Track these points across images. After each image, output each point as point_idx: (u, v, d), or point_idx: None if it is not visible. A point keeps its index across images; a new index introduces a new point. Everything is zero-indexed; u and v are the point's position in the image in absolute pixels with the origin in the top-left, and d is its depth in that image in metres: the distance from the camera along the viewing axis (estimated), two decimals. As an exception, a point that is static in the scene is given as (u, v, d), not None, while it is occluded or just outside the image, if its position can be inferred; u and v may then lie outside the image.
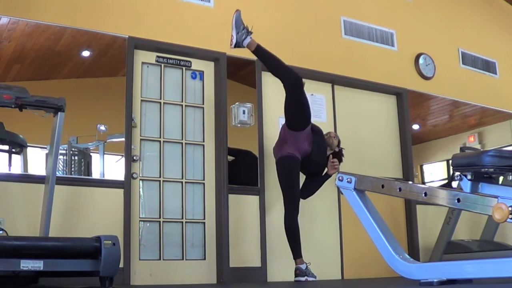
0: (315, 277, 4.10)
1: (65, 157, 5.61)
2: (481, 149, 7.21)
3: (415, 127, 8.23)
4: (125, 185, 4.28)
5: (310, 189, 4.49)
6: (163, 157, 4.58)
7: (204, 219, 4.64)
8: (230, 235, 4.58)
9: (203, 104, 4.84)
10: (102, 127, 5.74)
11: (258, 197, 4.79)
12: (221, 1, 5.00)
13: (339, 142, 4.60)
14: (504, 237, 5.93)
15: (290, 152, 4.23)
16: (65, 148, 5.56)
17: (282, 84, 4.21)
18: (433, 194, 2.85)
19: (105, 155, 5.97)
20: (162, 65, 4.72)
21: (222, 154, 4.71)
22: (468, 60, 6.65)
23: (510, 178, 5.10)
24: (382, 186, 3.10)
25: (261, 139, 4.90)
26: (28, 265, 2.90)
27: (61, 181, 3.94)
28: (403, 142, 5.83)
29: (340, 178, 3.27)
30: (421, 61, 6.15)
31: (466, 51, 6.66)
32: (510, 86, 6.94)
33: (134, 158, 4.42)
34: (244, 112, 4.96)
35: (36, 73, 6.39)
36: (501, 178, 4.21)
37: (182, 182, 4.62)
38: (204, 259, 4.57)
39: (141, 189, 4.44)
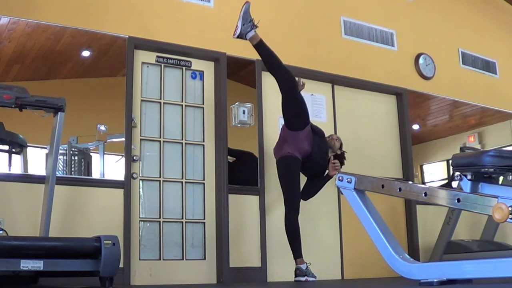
0: (315, 277, 4.10)
1: (65, 157, 5.61)
2: (481, 149, 7.21)
3: (415, 127, 8.23)
4: (125, 185, 4.28)
5: (311, 191, 4.49)
6: (163, 157, 4.58)
7: (204, 219, 4.63)
8: (230, 235, 4.58)
9: (203, 104, 4.84)
10: (102, 127, 5.74)
11: (258, 197, 4.79)
12: (221, 1, 5.00)
13: (341, 145, 4.61)
14: (504, 237, 5.93)
15: (290, 152, 4.23)
16: (65, 148, 5.56)
17: (281, 85, 4.22)
18: (433, 194, 2.85)
19: (105, 155, 5.97)
20: (162, 65, 4.72)
21: (222, 154, 4.71)
22: (468, 60, 6.65)
23: (510, 178, 5.10)
24: (382, 186, 3.10)
25: (261, 139, 4.90)
26: (28, 265, 2.90)
27: (61, 181, 3.94)
28: (403, 142, 5.83)
29: (340, 178, 3.27)
30: (421, 61, 6.16)
31: (466, 51, 6.66)
32: (510, 86, 6.95)
33: (134, 158, 4.42)
34: (244, 112, 4.96)
35: (36, 73, 6.39)
36: (501, 178, 4.21)
37: (182, 182, 4.62)
38: (204, 259, 4.57)
39: (141, 189, 4.44)
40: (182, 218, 4.56)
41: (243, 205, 4.75)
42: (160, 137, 4.60)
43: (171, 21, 4.73)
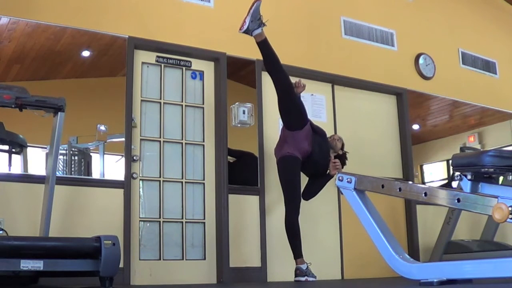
0: (315, 277, 4.10)
1: (65, 157, 5.61)
2: (481, 149, 7.21)
3: (415, 127, 8.23)
4: (125, 185, 4.28)
5: (312, 191, 4.49)
6: (163, 157, 4.58)
7: (204, 219, 4.63)
8: (230, 235, 4.58)
9: (203, 104, 4.84)
10: (102, 127, 5.74)
11: (258, 197, 4.79)
12: (221, 1, 5.00)
13: (342, 145, 4.62)
14: (504, 237, 5.93)
15: (289, 152, 4.23)
16: (65, 148, 5.56)
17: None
18: (433, 194, 2.85)
19: (105, 155, 5.96)
20: (162, 65, 4.72)
21: (222, 154, 4.71)
22: (468, 60, 6.65)
23: (510, 178, 5.11)
24: (382, 186, 3.10)
25: (261, 139, 4.90)
26: (28, 265, 2.90)
27: (61, 181, 3.94)
28: (403, 142, 5.83)
29: (340, 178, 3.27)
30: (421, 61, 6.15)
31: (466, 51, 6.66)
32: (510, 86, 6.94)
33: (134, 158, 4.42)
34: (244, 112, 4.96)
35: (36, 73, 6.38)
36: (501, 178, 4.22)
37: (182, 182, 4.62)
38: (204, 259, 4.57)
39: (141, 189, 4.44)
40: (182, 218, 4.56)
41: (243, 205, 4.75)
42: (160, 137, 4.60)
43: (171, 21, 4.73)
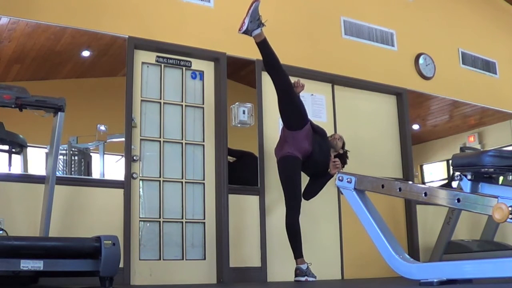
0: (315, 277, 4.10)
1: (65, 157, 5.61)
2: (481, 149, 7.21)
3: (415, 127, 8.23)
4: (125, 185, 4.28)
5: (312, 190, 4.49)
6: (163, 157, 4.58)
7: (204, 219, 4.63)
8: (230, 235, 4.58)
9: (203, 104, 4.84)
10: (102, 127, 5.74)
11: (258, 197, 4.79)
12: (221, 1, 5.00)
13: (343, 144, 4.62)
14: (504, 237, 5.93)
15: (290, 152, 4.24)
16: (65, 148, 5.56)
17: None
18: (433, 194, 2.85)
19: (105, 155, 5.97)
20: (162, 65, 4.72)
21: (222, 154, 4.71)
22: (468, 60, 6.65)
23: (510, 178, 5.11)
24: (382, 186, 3.10)
25: (261, 139, 4.90)
26: (28, 265, 2.90)
27: (61, 181, 3.94)
28: (403, 142, 5.83)
29: (340, 178, 3.27)
30: (421, 61, 6.16)
31: (466, 51, 6.66)
32: (510, 86, 6.94)
33: (134, 158, 4.42)
34: (244, 112, 4.96)
35: (36, 73, 6.39)
36: (501, 178, 4.22)
37: (182, 182, 4.62)
38: (204, 259, 4.57)
39: (141, 189, 4.44)
40: (182, 218, 4.56)
41: (243, 205, 4.75)
42: (160, 137, 4.60)
43: (171, 21, 4.73)
